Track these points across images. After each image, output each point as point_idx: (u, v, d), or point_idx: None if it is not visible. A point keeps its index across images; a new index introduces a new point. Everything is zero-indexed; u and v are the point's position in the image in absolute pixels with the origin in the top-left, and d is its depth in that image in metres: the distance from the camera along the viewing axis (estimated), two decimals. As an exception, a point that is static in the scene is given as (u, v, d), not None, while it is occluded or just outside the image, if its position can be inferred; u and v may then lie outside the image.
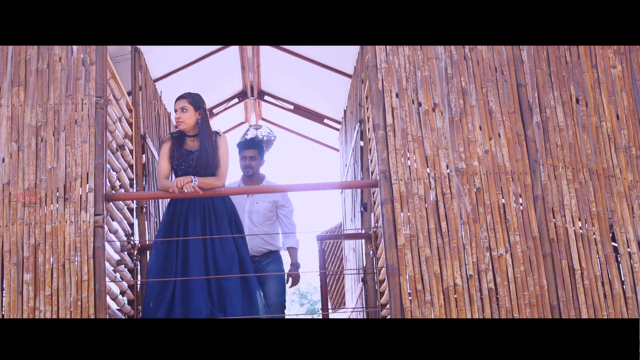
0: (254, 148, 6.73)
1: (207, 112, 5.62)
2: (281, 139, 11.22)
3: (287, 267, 6.63)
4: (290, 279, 6.56)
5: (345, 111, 8.06)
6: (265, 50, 8.15)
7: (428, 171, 5.20)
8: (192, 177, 5.24)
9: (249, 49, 7.94)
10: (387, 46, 5.44)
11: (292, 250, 6.66)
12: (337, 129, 8.91)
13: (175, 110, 5.50)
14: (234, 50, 8.06)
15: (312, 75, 8.39)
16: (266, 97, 9.08)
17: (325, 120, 9.07)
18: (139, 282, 6.08)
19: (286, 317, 6.47)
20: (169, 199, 5.62)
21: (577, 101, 5.44)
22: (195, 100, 5.50)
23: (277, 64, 8.46)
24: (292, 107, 9.10)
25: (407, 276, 5.00)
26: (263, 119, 9.59)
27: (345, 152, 7.98)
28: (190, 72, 8.06)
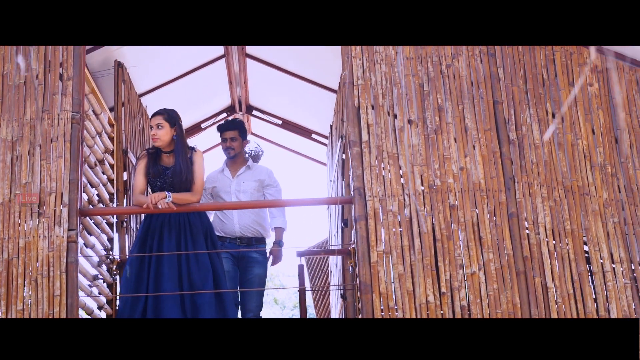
0: (234, 129, 6.64)
1: (183, 128, 5.62)
2: (271, 154, 11.24)
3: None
4: (271, 257, 6.54)
5: (331, 126, 8.06)
6: (252, 65, 8.17)
7: (403, 188, 5.20)
8: (167, 192, 5.25)
9: (235, 63, 7.96)
10: (364, 63, 5.45)
11: (279, 230, 6.60)
12: (325, 144, 8.91)
13: (151, 127, 5.51)
14: (220, 64, 8.08)
15: (299, 90, 8.40)
16: (254, 112, 9.09)
17: (313, 136, 9.08)
18: (117, 297, 6.07)
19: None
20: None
21: (553, 115, 5.44)
22: (170, 116, 5.51)
23: (265, 80, 8.47)
24: (280, 122, 9.11)
25: (380, 293, 4.99)
26: (252, 134, 9.59)
27: (331, 167, 7.98)
28: (177, 87, 8.07)
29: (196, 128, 8.91)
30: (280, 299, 23.76)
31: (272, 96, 8.91)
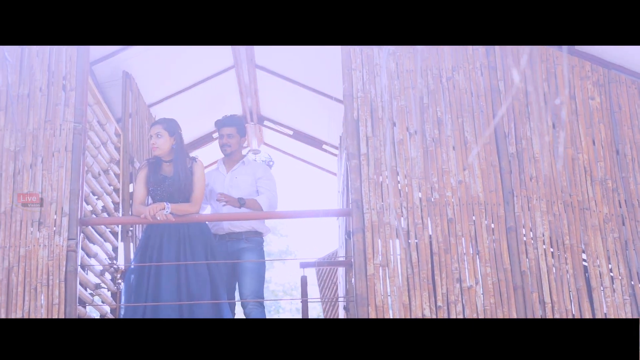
0: (231, 125, 6.40)
1: (183, 138, 5.66)
2: (283, 164, 11.24)
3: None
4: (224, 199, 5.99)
5: (340, 137, 8.08)
6: (262, 76, 8.20)
7: (400, 201, 5.20)
8: (165, 203, 5.28)
9: (245, 74, 7.99)
10: (364, 75, 5.46)
11: (252, 201, 6.10)
12: (336, 155, 8.92)
13: (151, 136, 5.56)
14: (230, 75, 8.12)
15: (310, 101, 8.42)
16: (266, 122, 9.13)
17: (324, 146, 9.09)
18: (122, 306, 6.10)
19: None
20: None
21: (554, 126, 5.40)
22: (170, 125, 5.56)
23: (275, 90, 8.50)
24: (291, 133, 9.13)
25: (376, 306, 4.99)
26: (264, 144, 9.63)
27: (340, 178, 7.99)
28: (187, 97, 8.12)
29: (207, 138, 8.96)
30: (299, 310, 23.78)
31: (283, 107, 8.93)
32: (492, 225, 5.15)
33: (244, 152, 6.75)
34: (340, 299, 7.64)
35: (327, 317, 9.06)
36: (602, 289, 5.07)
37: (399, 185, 5.24)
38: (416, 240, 5.12)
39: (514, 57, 5.48)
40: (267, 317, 6.15)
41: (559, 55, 5.54)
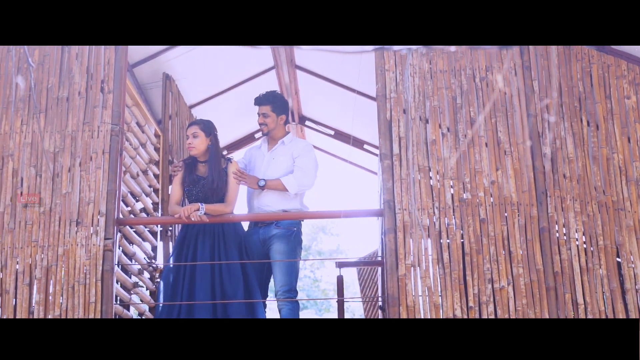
0: (266, 104, 6.06)
1: (218, 139, 5.75)
2: (325, 163, 11.25)
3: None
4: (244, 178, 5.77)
5: (380, 137, 8.08)
6: (302, 77, 8.25)
7: (433, 201, 5.20)
8: (200, 204, 5.36)
9: (285, 74, 8.05)
10: (397, 75, 5.48)
11: (276, 182, 5.79)
12: (377, 155, 8.93)
13: (187, 137, 5.65)
14: (271, 76, 8.19)
15: (350, 101, 8.44)
16: (307, 122, 9.18)
17: (365, 146, 9.11)
18: (160, 304, 6.20)
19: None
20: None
21: (588, 124, 5.34)
22: (206, 126, 5.65)
23: (316, 91, 8.54)
24: (332, 133, 9.16)
25: (407, 306, 5.00)
26: (307, 144, 9.67)
27: (379, 178, 8.00)
28: (228, 98, 8.21)
29: (249, 139, 9.05)
30: (347, 309, 23.83)
31: (324, 107, 8.98)
32: (525, 226, 5.12)
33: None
34: (369, 299, 7.66)
35: (368, 317, 9.08)
36: (636, 290, 5.00)
37: (432, 185, 5.24)
38: (448, 241, 5.12)
39: (547, 56, 5.45)
40: (317, 315, 6.18)
41: (594, 55, 5.48)
